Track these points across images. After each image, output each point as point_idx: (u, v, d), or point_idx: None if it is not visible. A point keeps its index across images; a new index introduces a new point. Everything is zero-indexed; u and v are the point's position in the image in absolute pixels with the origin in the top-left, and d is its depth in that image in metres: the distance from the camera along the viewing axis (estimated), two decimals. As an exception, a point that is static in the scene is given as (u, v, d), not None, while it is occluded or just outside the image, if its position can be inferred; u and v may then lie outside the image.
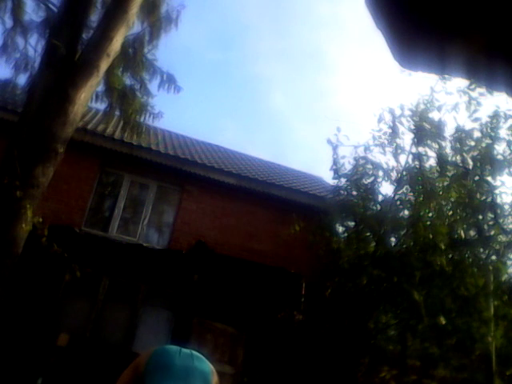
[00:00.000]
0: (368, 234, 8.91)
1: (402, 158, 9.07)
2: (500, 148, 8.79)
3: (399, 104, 9.49)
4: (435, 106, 8.95)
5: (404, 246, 8.63)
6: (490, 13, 1.02)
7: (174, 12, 8.92)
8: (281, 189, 10.39)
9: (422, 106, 9.00)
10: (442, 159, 8.79)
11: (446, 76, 7.23)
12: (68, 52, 6.34)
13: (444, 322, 7.58)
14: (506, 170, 8.66)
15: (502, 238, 8.37)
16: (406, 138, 9.15)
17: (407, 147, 9.04)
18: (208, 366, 2.03)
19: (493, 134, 8.75)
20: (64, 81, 6.05)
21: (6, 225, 5.40)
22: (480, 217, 8.49)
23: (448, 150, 9.01)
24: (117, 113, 8.98)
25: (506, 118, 8.74)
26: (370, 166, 9.13)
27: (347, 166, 9.31)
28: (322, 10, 34.31)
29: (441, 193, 8.48)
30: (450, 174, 8.81)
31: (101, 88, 8.28)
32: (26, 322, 7.67)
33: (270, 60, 36.45)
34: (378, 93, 31.50)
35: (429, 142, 8.91)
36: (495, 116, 8.77)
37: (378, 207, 9.07)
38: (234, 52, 35.82)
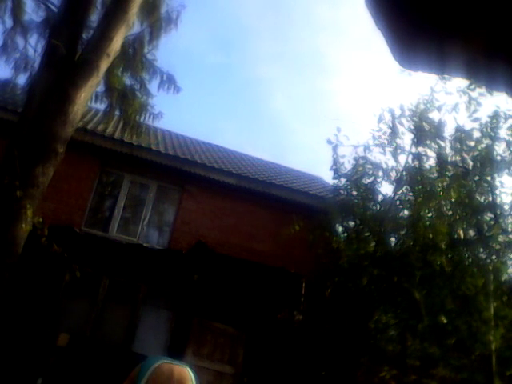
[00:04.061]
0: (368, 233, 8.92)
1: (402, 158, 9.09)
2: (500, 148, 8.81)
3: (399, 104, 9.51)
4: (435, 106, 8.96)
5: (404, 245, 8.63)
6: (490, 13, 1.02)
7: (173, 12, 8.93)
8: (281, 189, 10.38)
9: (421, 106, 9.00)
10: (441, 159, 8.79)
11: (446, 76, 7.24)
12: (68, 52, 6.33)
13: (444, 322, 7.58)
14: (506, 171, 8.67)
15: (502, 238, 8.37)
16: (406, 138, 9.17)
17: (407, 147, 9.06)
18: (191, 369, 2.35)
19: (493, 134, 8.75)
20: (64, 81, 6.04)
21: (5, 225, 5.40)
22: (480, 217, 8.50)
23: (448, 150, 9.02)
24: (117, 113, 8.97)
25: (506, 118, 8.75)
26: (369, 166, 9.14)
27: (347, 165, 9.34)
28: (322, 13, 34.31)
29: (441, 193, 8.48)
30: (449, 174, 8.81)
31: (101, 88, 8.28)
32: (26, 322, 7.67)
33: (270, 62, 36.47)
34: (377, 93, 31.53)
35: (428, 142, 8.92)
36: (495, 116, 8.78)
37: (378, 207, 9.07)
38: (234, 54, 35.83)
